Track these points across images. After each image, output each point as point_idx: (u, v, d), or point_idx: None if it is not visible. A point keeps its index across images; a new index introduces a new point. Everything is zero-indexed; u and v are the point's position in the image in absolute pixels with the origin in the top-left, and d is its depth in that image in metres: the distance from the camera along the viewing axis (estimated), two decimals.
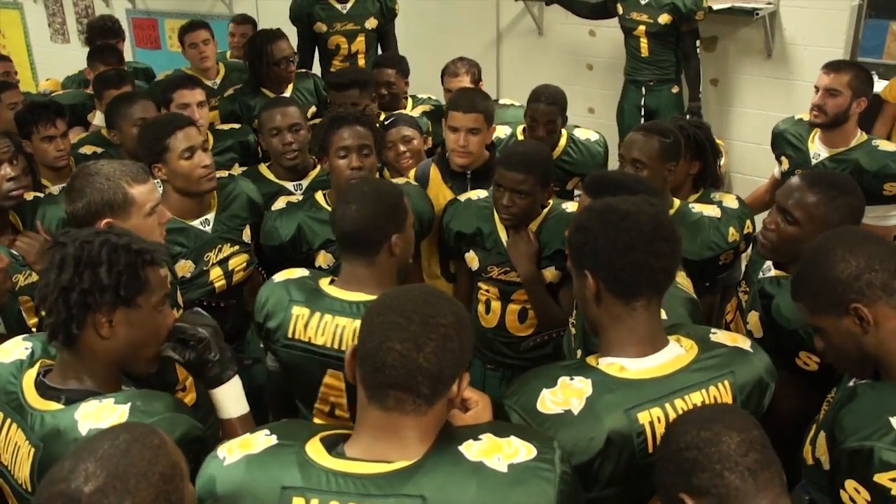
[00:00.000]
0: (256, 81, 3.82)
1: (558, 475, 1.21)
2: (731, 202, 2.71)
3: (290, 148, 2.89)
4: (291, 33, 4.26)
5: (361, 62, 4.37)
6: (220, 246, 2.56)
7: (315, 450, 1.23)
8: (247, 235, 2.66)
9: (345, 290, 1.91)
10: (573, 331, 2.11)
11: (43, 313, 1.52)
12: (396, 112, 3.48)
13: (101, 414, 1.41)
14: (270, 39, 3.77)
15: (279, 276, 2.01)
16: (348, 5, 4.32)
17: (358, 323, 1.80)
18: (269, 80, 3.78)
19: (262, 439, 1.28)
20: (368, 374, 1.21)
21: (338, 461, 1.21)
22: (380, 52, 4.50)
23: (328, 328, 1.89)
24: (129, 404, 1.43)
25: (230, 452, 1.27)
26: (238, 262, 2.61)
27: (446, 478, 1.18)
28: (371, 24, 4.36)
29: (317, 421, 2.01)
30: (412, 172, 2.99)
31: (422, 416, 1.21)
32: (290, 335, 1.92)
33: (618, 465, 1.39)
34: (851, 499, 1.41)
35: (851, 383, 1.67)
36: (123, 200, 1.94)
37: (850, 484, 1.41)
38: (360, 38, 4.35)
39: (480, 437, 1.24)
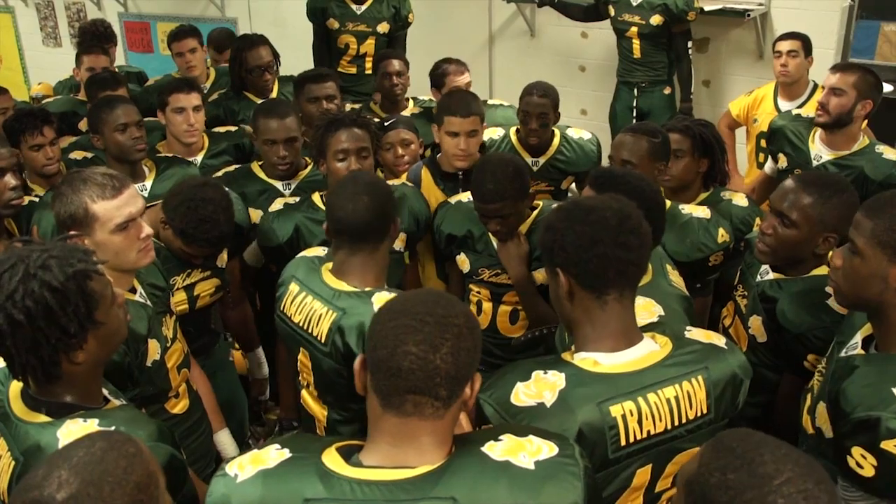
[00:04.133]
0: (238, 85, 3.82)
1: (582, 469, 1.22)
2: (740, 200, 2.73)
3: (284, 161, 2.89)
4: (281, 37, 4.26)
5: (368, 65, 4.36)
6: (189, 270, 2.49)
7: (333, 460, 1.21)
8: (222, 261, 2.62)
9: (337, 277, 1.96)
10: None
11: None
12: (397, 114, 3.48)
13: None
14: (247, 46, 3.77)
15: (305, 252, 2.17)
16: (363, 7, 4.33)
17: (327, 310, 1.89)
18: (248, 85, 3.78)
19: (274, 454, 1.25)
20: (383, 381, 1.18)
21: (358, 470, 1.19)
22: None
23: (305, 308, 1.97)
24: (112, 430, 1.40)
25: (241, 469, 1.24)
26: (205, 287, 2.55)
27: (475, 478, 1.17)
28: (383, 28, 4.38)
29: (303, 392, 2.12)
30: (404, 177, 2.99)
31: (439, 420, 1.19)
32: (281, 308, 2.07)
33: (591, 457, 1.39)
34: (858, 464, 1.53)
35: (843, 353, 1.71)
36: (84, 216, 1.90)
37: (857, 451, 1.53)
38: (370, 41, 4.35)
39: (500, 437, 1.24)
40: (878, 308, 1.63)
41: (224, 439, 2.41)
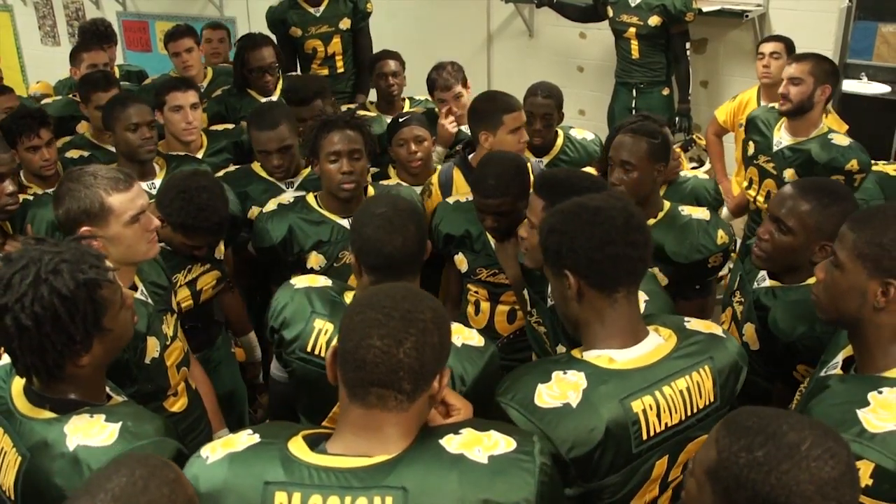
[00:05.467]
0: (241, 83, 3.83)
1: (538, 466, 1.23)
2: (701, 174, 2.86)
3: (279, 169, 2.91)
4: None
5: (339, 64, 4.36)
6: (189, 266, 2.50)
7: (298, 447, 1.25)
8: (220, 252, 2.63)
9: None
10: (542, 329, 2.11)
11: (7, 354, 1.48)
12: (409, 111, 3.47)
13: (90, 430, 1.40)
14: (251, 46, 3.77)
15: (300, 282, 1.88)
16: (321, 8, 4.33)
17: None
18: (250, 83, 3.79)
19: (245, 438, 1.29)
20: (349, 372, 1.22)
21: (320, 457, 1.23)
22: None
23: None
24: (119, 424, 1.42)
25: (213, 452, 1.28)
26: (207, 280, 2.56)
27: (427, 469, 1.19)
28: (345, 24, 4.37)
29: None
30: (435, 177, 2.95)
31: (403, 413, 1.22)
32: (308, 348, 1.80)
33: (617, 453, 1.42)
34: None
35: (823, 373, 1.71)
36: (100, 209, 1.90)
37: None
38: (336, 40, 4.35)
39: (461, 431, 1.26)
40: (857, 325, 1.57)
41: None
